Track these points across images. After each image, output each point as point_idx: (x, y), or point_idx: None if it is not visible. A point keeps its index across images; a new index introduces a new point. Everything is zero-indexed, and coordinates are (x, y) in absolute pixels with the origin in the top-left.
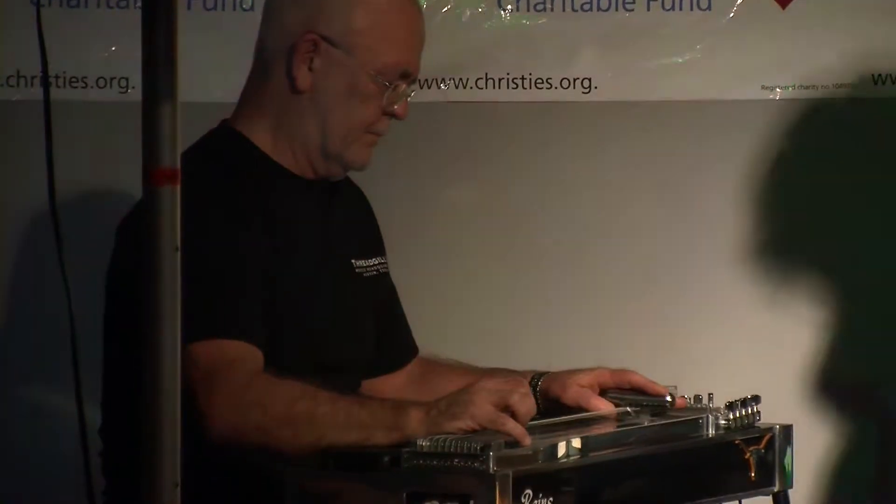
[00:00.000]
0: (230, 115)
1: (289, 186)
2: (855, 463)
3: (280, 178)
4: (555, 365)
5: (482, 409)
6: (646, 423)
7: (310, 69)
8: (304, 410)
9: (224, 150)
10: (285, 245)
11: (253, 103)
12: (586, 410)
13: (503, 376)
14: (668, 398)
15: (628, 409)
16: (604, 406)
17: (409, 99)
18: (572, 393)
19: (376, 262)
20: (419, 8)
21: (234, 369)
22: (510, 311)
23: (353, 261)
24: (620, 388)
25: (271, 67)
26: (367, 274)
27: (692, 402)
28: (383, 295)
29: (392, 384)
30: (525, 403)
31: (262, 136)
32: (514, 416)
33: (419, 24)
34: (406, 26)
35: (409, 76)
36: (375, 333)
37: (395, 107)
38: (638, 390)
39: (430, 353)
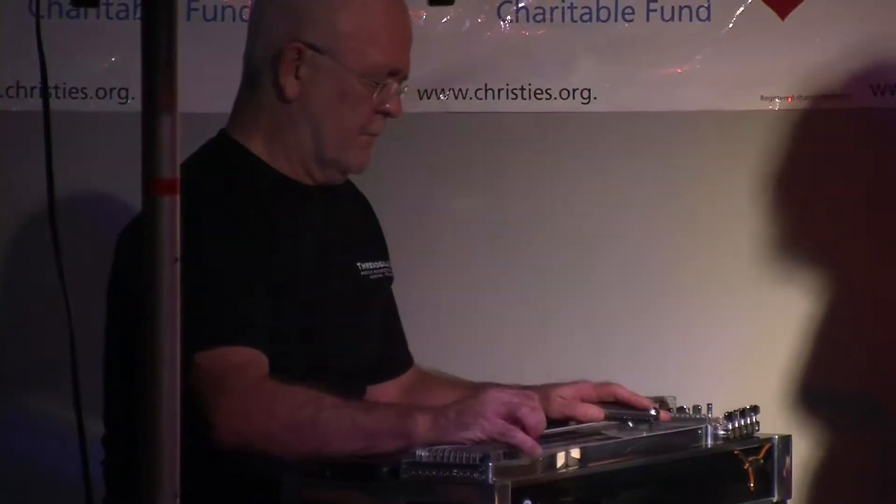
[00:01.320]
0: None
1: (289, 192)
2: (854, 472)
3: (279, 184)
4: (554, 375)
5: (492, 420)
6: (645, 434)
7: (297, 77)
8: (308, 417)
9: (223, 158)
10: (288, 251)
11: (246, 113)
12: (574, 420)
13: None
14: (653, 412)
15: (628, 420)
16: (592, 412)
17: (407, 105)
18: (556, 405)
19: (381, 266)
20: (403, 6)
21: (239, 375)
22: (510, 322)
23: (358, 264)
24: (603, 402)
25: (260, 77)
26: (373, 276)
27: (691, 413)
28: (385, 301)
29: (385, 394)
30: (534, 416)
31: (258, 146)
32: (523, 428)
33: (404, 22)
34: (391, 25)
35: (398, 74)
36: (380, 336)
37: (388, 105)
38: (622, 404)
39: (432, 364)
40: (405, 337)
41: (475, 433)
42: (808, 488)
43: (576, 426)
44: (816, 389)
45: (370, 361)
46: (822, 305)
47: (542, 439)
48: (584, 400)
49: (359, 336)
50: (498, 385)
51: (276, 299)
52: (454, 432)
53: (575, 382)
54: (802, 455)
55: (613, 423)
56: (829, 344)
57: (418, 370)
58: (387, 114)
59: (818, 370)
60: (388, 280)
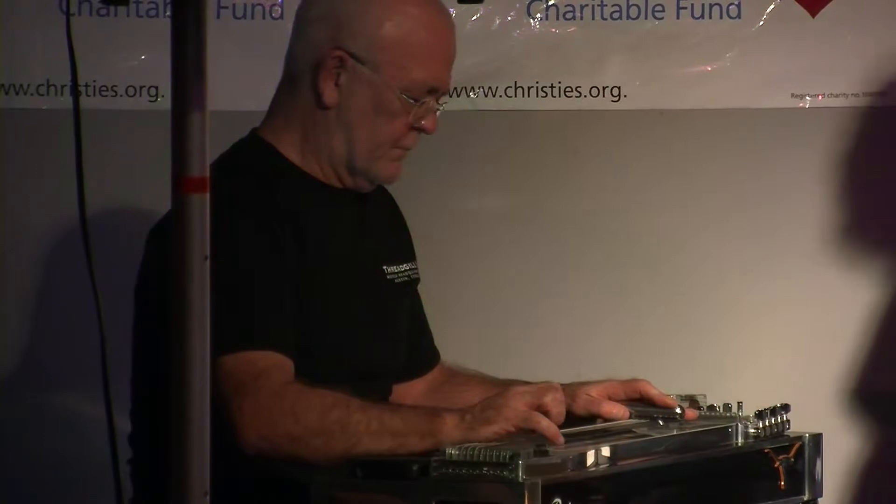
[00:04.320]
0: (259, 123)
1: (318, 195)
2: (886, 472)
3: (309, 187)
4: (584, 374)
5: (516, 410)
6: (675, 432)
7: (336, 85)
8: (337, 419)
9: (254, 160)
10: (315, 254)
11: (281, 115)
12: (600, 418)
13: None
14: (678, 410)
15: (658, 418)
16: (616, 410)
17: (437, 112)
18: (582, 402)
19: (407, 268)
20: (450, 22)
21: (266, 379)
22: (539, 318)
23: (384, 267)
24: (630, 400)
25: (299, 81)
26: (398, 280)
27: (721, 411)
28: (411, 301)
29: (413, 391)
30: (559, 404)
31: (290, 148)
32: (548, 416)
33: (449, 39)
34: (435, 42)
35: (437, 91)
36: (406, 340)
37: (423, 122)
38: (647, 401)
39: (459, 361)
40: (431, 335)
41: (500, 426)
42: (840, 487)
43: (603, 424)
44: (849, 388)
45: (396, 364)
46: (852, 302)
47: (571, 437)
48: (610, 398)
49: (385, 339)
50: (525, 382)
51: (302, 302)
52: (480, 428)
53: (601, 381)
54: (834, 453)
55: (640, 421)
56: (860, 342)
57: (446, 367)
58: (421, 130)
59: (850, 369)
60: (415, 282)
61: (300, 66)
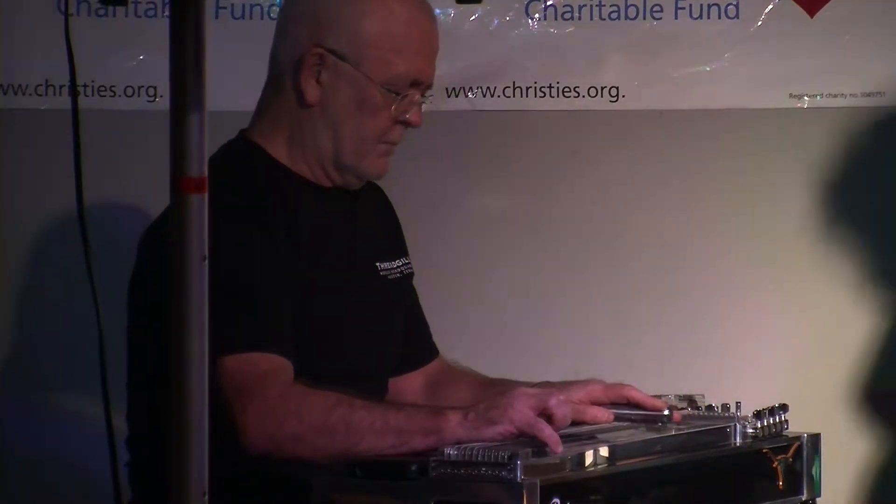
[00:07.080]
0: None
1: (309, 195)
2: (886, 472)
3: (300, 187)
4: (582, 374)
5: (520, 412)
6: (673, 432)
7: (318, 82)
8: (340, 417)
9: (244, 161)
10: (310, 254)
11: (268, 115)
12: (583, 423)
13: (505, 386)
14: (666, 412)
15: (646, 421)
16: (601, 415)
17: (432, 107)
18: None
19: (400, 264)
20: (432, 15)
21: (268, 381)
22: (538, 317)
23: (377, 264)
24: (615, 403)
25: (283, 80)
26: (392, 276)
27: (720, 411)
28: (407, 296)
29: (412, 384)
30: (562, 408)
31: (278, 148)
32: (551, 419)
33: (431, 32)
34: (416, 35)
35: (420, 84)
36: (402, 336)
37: (408, 115)
38: (636, 406)
39: (455, 358)
40: (429, 328)
41: (504, 427)
42: (839, 487)
43: (588, 427)
44: (848, 388)
45: (391, 362)
46: (853, 303)
47: (572, 437)
48: (593, 401)
49: (380, 337)
50: (517, 382)
51: (297, 302)
52: (484, 428)
53: (585, 383)
54: (833, 454)
55: (626, 424)
56: (861, 342)
57: (444, 363)
58: (407, 124)
59: (849, 369)
60: (408, 277)
61: (282, 65)
